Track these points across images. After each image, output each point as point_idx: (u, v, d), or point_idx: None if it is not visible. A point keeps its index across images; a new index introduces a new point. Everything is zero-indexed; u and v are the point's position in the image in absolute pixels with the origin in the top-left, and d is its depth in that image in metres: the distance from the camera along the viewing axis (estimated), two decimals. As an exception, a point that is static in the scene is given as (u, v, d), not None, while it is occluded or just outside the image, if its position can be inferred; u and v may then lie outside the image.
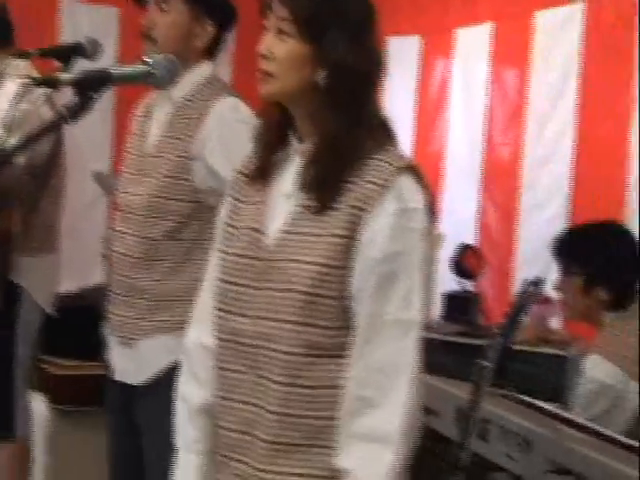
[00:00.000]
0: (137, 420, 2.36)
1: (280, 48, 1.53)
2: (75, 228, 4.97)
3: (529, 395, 2.58)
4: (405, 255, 1.49)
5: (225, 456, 1.56)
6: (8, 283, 2.98)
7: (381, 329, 1.48)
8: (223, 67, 3.64)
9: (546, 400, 2.60)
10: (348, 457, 1.46)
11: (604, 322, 2.77)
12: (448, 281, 4.23)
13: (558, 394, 2.88)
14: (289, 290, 1.49)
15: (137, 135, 2.45)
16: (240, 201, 1.62)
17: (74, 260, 4.77)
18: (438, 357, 3.06)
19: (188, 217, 2.30)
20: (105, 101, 4.94)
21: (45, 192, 3.04)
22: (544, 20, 4.21)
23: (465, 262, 4.24)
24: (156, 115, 2.41)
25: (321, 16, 1.52)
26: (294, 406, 1.48)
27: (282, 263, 1.51)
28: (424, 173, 1.57)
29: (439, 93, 4.98)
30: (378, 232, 1.49)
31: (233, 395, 1.54)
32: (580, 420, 2.40)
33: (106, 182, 4.38)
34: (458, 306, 4.21)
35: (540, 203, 4.22)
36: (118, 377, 2.40)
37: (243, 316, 1.53)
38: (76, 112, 1.56)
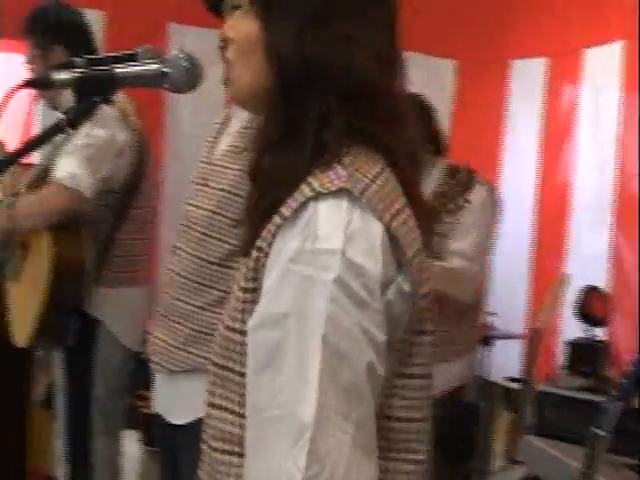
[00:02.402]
0: (179, 461, 2.15)
1: (236, 27, 1.22)
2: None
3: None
4: (294, 318, 1.04)
5: None
6: (84, 317, 2.80)
7: (262, 430, 1.06)
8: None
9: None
10: None
11: None
12: (573, 328, 3.92)
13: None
14: None
15: (209, 142, 2.26)
16: None
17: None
18: (558, 415, 2.72)
19: None
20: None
21: (123, 222, 2.86)
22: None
23: (592, 306, 3.89)
24: (232, 123, 2.20)
25: None
26: None
27: None
28: (384, 200, 1.10)
29: (566, 119, 4.63)
30: (268, 285, 1.09)
31: None
32: None
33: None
34: (584, 356, 3.83)
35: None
36: (159, 411, 2.20)
37: None
38: (76, 119, 1.32)
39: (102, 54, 2.24)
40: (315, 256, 1.04)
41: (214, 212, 2.09)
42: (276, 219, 1.09)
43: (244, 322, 1.11)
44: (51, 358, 3.03)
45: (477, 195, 2.97)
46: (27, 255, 2.82)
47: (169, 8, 4.77)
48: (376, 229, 1.08)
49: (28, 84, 1.40)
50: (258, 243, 1.11)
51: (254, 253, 1.11)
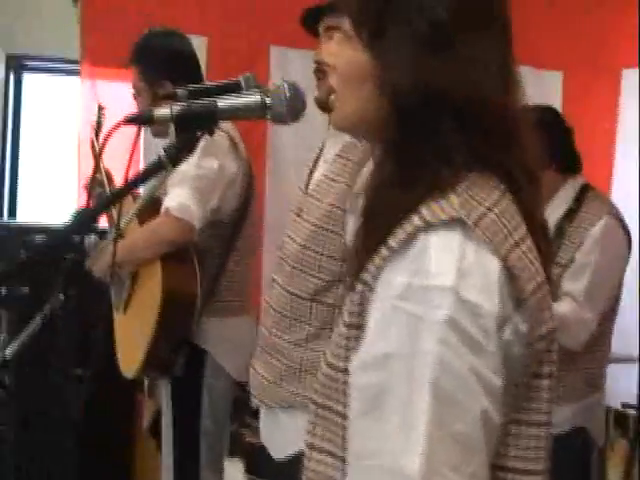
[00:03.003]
0: None
1: (340, 55, 1.16)
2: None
3: None
4: (401, 360, 0.97)
5: None
6: (192, 347, 2.80)
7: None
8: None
9: None
10: None
11: None
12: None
13: None
14: None
15: (307, 170, 2.24)
16: None
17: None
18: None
19: (337, 277, 2.01)
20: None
21: (231, 252, 2.84)
22: None
23: None
24: (325, 152, 2.15)
25: (386, 7, 1.07)
26: None
27: None
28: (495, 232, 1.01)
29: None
30: (372, 321, 1.02)
31: None
32: None
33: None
34: None
35: None
36: (264, 442, 2.21)
37: None
38: (178, 155, 1.30)
39: (205, 83, 2.25)
40: (425, 293, 0.98)
41: (304, 246, 2.06)
42: (383, 251, 1.02)
43: (347, 360, 1.05)
44: (158, 387, 3.05)
45: (600, 228, 2.76)
46: (136, 286, 2.84)
47: (271, 31, 4.79)
48: (492, 264, 1.00)
49: (131, 121, 1.39)
50: (363, 276, 1.05)
51: (359, 287, 1.05)
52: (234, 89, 2.31)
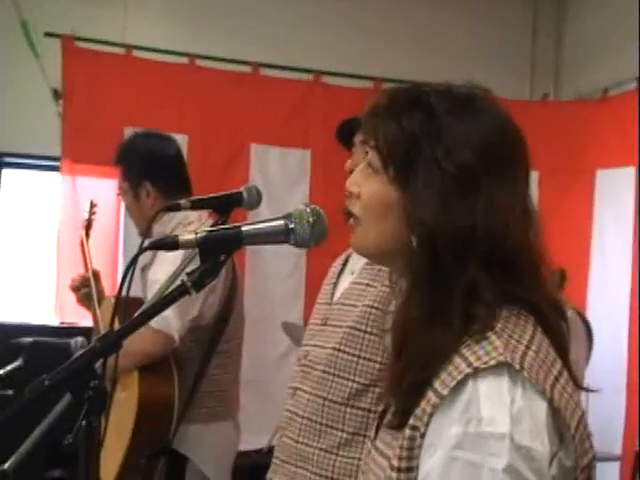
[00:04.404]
0: None
1: (365, 186, 1.19)
2: (266, 382, 4.80)
3: None
4: None
5: None
6: (172, 454, 2.73)
7: None
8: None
9: None
10: None
11: None
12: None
13: None
14: None
15: (329, 284, 2.18)
16: None
17: (264, 415, 4.57)
18: None
19: (375, 381, 1.94)
20: (297, 249, 4.83)
21: (212, 358, 2.80)
22: None
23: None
24: (351, 264, 2.14)
25: (414, 147, 1.11)
26: None
27: None
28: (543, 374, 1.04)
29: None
30: (429, 470, 1.02)
31: None
32: None
33: (295, 333, 4.19)
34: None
35: None
36: None
37: None
38: (202, 279, 1.29)
39: (207, 195, 2.24)
40: (481, 441, 1.00)
41: (338, 349, 1.99)
42: (431, 397, 1.04)
43: None
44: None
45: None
46: (114, 393, 2.78)
47: (251, 129, 4.85)
48: (540, 406, 1.03)
49: (154, 246, 1.39)
50: (412, 422, 1.06)
51: (407, 432, 1.06)
52: (236, 200, 2.33)
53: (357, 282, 2.06)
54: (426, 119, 1.12)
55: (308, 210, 1.36)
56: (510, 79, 5.38)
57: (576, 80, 5.31)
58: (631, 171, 4.62)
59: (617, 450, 4.45)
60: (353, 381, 1.97)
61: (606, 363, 4.14)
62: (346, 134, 2.21)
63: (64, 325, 4.27)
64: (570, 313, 2.84)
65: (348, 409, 1.97)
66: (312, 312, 2.19)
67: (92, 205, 3.25)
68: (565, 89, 5.45)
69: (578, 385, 1.15)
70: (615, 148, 4.73)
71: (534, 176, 5.01)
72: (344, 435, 1.96)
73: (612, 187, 4.77)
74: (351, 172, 1.24)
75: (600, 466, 3.49)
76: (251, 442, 4.50)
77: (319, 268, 2.39)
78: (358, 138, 2.11)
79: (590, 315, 4.06)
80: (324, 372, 2.00)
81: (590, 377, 2.96)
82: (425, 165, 1.10)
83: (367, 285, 2.02)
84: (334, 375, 1.99)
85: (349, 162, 2.11)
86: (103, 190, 4.45)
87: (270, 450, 4.40)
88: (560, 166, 5.01)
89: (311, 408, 2.01)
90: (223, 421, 2.88)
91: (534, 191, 4.97)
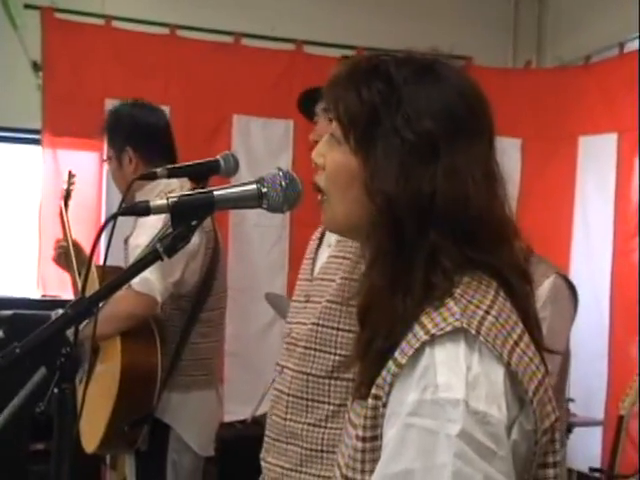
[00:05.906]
0: None
1: (329, 156, 1.19)
2: (250, 353, 4.82)
3: None
4: (419, 475, 0.99)
5: None
6: (155, 422, 2.74)
7: None
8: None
9: None
10: None
11: None
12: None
13: None
14: None
15: (308, 259, 2.18)
16: None
17: (248, 386, 4.59)
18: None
19: None
20: (280, 221, 4.83)
21: (194, 326, 2.81)
22: None
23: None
24: (327, 237, 2.14)
25: (374, 117, 1.11)
26: None
27: None
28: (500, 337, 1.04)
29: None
30: (388, 439, 1.03)
31: None
32: None
33: (279, 303, 4.20)
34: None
35: None
36: None
37: None
38: (175, 244, 1.30)
39: (183, 163, 2.23)
40: (437, 407, 1.00)
41: (317, 324, 2.00)
42: (391, 366, 1.05)
43: (364, 472, 1.08)
44: (122, 459, 2.98)
45: (548, 285, 2.79)
46: (98, 361, 2.79)
47: (234, 100, 4.83)
48: (497, 372, 1.03)
49: (126, 212, 1.40)
50: (374, 391, 1.07)
51: (370, 401, 1.07)
52: (213, 167, 2.33)
53: (334, 256, 2.07)
54: (386, 88, 1.12)
55: (281, 174, 1.35)
56: (492, 47, 5.38)
57: (558, 47, 5.31)
58: (613, 137, 4.63)
59: (599, 415, 4.48)
60: (334, 354, 1.99)
61: (588, 328, 4.16)
62: (307, 105, 2.20)
63: (46, 298, 4.28)
64: (554, 277, 2.84)
65: (332, 382, 1.99)
66: (295, 288, 2.21)
67: (70, 175, 3.27)
68: (548, 56, 5.44)
69: (545, 348, 1.16)
70: (597, 115, 4.74)
71: (517, 143, 5.03)
72: (331, 407, 1.98)
73: (595, 153, 4.77)
74: (316, 143, 1.24)
75: (583, 431, 3.53)
76: (235, 413, 4.53)
77: (302, 239, 2.38)
78: (320, 107, 2.11)
79: (573, 280, 4.09)
80: (305, 348, 2.02)
81: (573, 342, 2.97)
82: (385, 134, 1.10)
83: (343, 258, 2.03)
84: (315, 350, 2.01)
85: (312, 133, 2.11)
86: (85, 163, 4.44)
87: (254, 421, 4.42)
88: (543, 133, 5.01)
89: (296, 385, 2.03)
90: (206, 390, 2.89)
91: (517, 158, 5.00)
